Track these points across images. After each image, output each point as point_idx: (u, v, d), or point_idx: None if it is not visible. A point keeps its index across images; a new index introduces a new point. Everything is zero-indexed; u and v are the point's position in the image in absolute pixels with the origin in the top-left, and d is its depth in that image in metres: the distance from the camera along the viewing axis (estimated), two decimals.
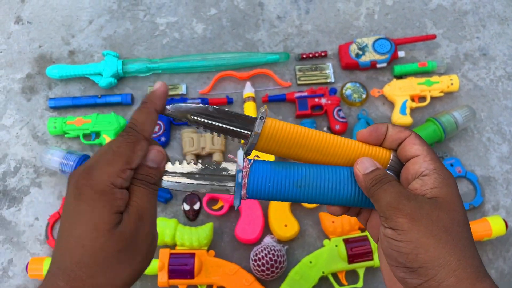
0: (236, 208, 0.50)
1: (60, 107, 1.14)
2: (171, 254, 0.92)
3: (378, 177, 0.45)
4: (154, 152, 0.47)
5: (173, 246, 0.96)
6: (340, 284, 0.93)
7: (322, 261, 0.92)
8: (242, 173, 0.49)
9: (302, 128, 0.50)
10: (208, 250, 0.95)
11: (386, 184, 0.44)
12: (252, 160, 0.50)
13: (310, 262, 0.92)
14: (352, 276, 0.94)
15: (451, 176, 0.45)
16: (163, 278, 0.90)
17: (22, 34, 1.26)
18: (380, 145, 0.50)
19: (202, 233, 0.94)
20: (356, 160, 0.48)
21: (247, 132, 0.50)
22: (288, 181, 0.49)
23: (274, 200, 0.50)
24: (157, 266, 0.91)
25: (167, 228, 0.94)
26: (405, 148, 0.47)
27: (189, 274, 0.90)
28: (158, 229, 0.93)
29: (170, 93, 1.15)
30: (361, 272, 0.92)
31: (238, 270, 0.92)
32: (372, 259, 0.92)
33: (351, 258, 0.91)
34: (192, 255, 0.92)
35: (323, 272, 0.92)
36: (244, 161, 0.50)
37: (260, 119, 0.49)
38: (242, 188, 0.49)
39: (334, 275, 0.94)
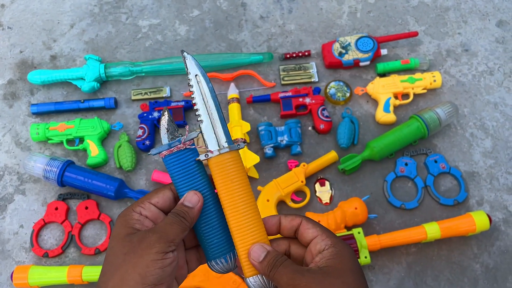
0: (150, 153, 0.53)
1: (43, 112, 1.13)
2: None
3: (272, 263, 0.49)
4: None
5: None
6: None
7: None
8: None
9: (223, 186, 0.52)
10: None
11: (280, 267, 0.48)
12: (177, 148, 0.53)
13: None
14: None
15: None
16: None
17: (2, 40, 1.25)
18: (278, 233, 0.54)
19: None
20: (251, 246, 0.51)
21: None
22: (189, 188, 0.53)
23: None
24: None
25: None
26: (303, 234, 0.51)
27: None
28: None
29: (153, 96, 1.14)
30: None
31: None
32: (358, 258, 0.92)
33: None
34: None
35: None
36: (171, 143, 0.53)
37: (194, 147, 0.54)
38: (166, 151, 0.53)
39: None
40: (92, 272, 0.91)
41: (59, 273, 0.92)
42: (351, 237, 0.93)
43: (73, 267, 0.92)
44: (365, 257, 0.92)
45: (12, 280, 0.92)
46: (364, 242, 0.93)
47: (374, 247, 0.93)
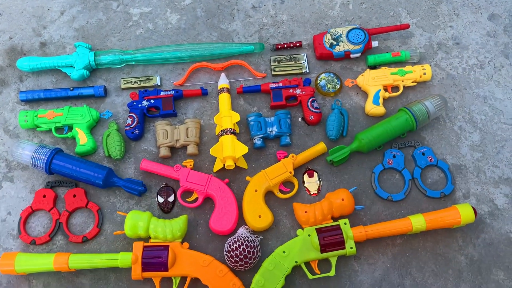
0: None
1: (32, 100, 1.12)
2: (144, 247, 0.92)
3: None
4: None
5: (147, 239, 0.96)
6: (313, 273, 0.94)
7: (295, 251, 0.93)
8: None
9: None
10: (182, 242, 0.95)
11: None
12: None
13: (284, 252, 0.93)
14: (324, 264, 0.95)
15: None
16: (136, 271, 0.91)
17: None
18: None
19: (176, 225, 0.94)
20: None
21: None
22: None
23: None
24: (130, 259, 0.91)
25: (141, 221, 0.94)
26: None
27: (163, 266, 0.91)
28: (131, 222, 0.93)
29: (143, 85, 1.14)
30: (333, 261, 0.93)
31: (212, 262, 0.92)
32: (344, 248, 0.93)
33: (324, 247, 0.92)
34: (166, 248, 0.92)
35: (296, 262, 0.92)
36: None
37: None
38: None
39: (307, 264, 0.95)
40: (79, 260, 0.92)
41: (46, 260, 0.92)
42: (338, 227, 0.94)
43: (60, 254, 0.92)
44: (351, 248, 0.93)
45: None
46: (350, 233, 0.93)
47: (360, 238, 0.94)
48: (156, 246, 0.93)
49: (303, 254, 0.93)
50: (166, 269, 0.91)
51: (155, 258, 0.91)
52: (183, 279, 0.93)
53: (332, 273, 0.92)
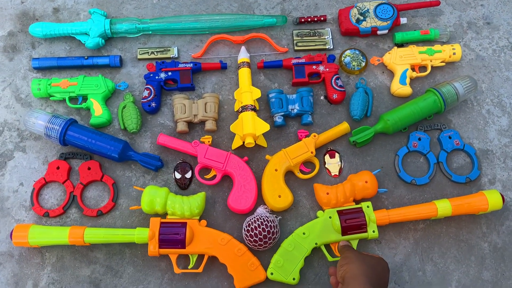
0: None
1: (45, 67, 1.08)
2: (161, 223, 0.90)
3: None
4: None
5: (164, 215, 0.93)
6: (333, 255, 0.92)
7: (316, 232, 0.91)
8: None
9: None
10: (200, 220, 0.92)
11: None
12: None
13: (304, 233, 0.91)
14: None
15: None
16: (153, 247, 0.88)
17: None
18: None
19: (194, 202, 0.92)
20: None
21: None
22: None
23: None
24: (147, 235, 0.88)
25: (158, 196, 0.91)
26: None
27: (180, 243, 0.89)
28: (148, 197, 0.91)
29: (160, 56, 1.09)
30: (354, 244, 0.91)
31: (230, 240, 0.90)
32: (366, 231, 0.90)
33: (345, 230, 0.90)
34: (184, 225, 0.90)
35: (316, 243, 0.90)
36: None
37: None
38: None
39: (327, 246, 0.93)
40: (94, 234, 0.90)
41: (61, 233, 0.90)
42: (360, 210, 0.92)
43: (75, 228, 0.90)
44: (373, 231, 0.90)
45: (11, 238, 0.90)
46: (373, 216, 0.91)
47: (383, 222, 0.91)
48: (173, 223, 0.90)
49: (323, 236, 0.91)
50: (184, 247, 0.89)
51: (173, 235, 0.89)
52: (200, 257, 0.91)
53: None
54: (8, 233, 0.94)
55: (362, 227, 0.91)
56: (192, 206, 0.91)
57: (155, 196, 0.91)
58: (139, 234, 0.89)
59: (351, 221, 0.91)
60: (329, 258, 0.91)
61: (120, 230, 0.91)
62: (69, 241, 0.90)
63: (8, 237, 0.94)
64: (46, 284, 0.92)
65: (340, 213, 0.92)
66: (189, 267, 0.90)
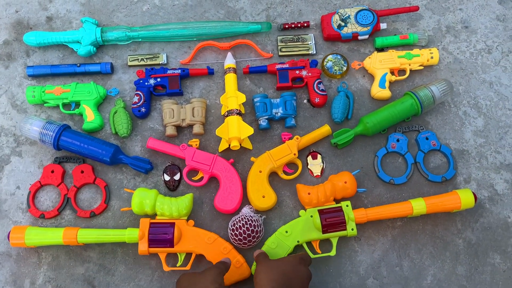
0: None
1: (39, 75, 1.13)
2: (151, 223, 0.95)
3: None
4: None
5: (154, 216, 0.98)
6: (314, 252, 0.97)
7: (298, 231, 0.96)
8: None
9: None
10: (187, 220, 0.97)
11: None
12: None
13: (286, 232, 0.95)
14: (325, 245, 0.98)
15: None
16: (143, 246, 0.93)
17: None
18: None
19: (181, 203, 0.96)
20: None
21: None
22: None
23: None
24: (137, 235, 0.93)
25: (147, 198, 0.96)
26: None
27: (169, 242, 0.93)
28: (138, 199, 0.95)
29: (150, 62, 1.14)
30: (334, 241, 0.96)
31: (217, 239, 0.95)
32: (345, 229, 0.95)
33: (325, 228, 0.95)
34: (172, 225, 0.94)
35: (298, 241, 0.95)
36: None
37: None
38: None
39: (309, 244, 0.97)
40: (87, 235, 0.94)
41: (55, 234, 0.95)
42: (339, 209, 0.96)
43: (69, 229, 0.95)
44: (352, 229, 0.95)
45: (9, 239, 0.95)
46: (352, 215, 0.95)
47: (361, 220, 0.96)
48: (162, 223, 0.95)
49: (305, 234, 0.96)
50: (172, 245, 0.93)
51: (161, 234, 0.94)
52: (188, 255, 0.96)
53: (333, 253, 0.95)
54: (6, 235, 0.99)
55: (341, 225, 0.95)
56: (180, 207, 0.96)
57: (144, 198, 0.96)
58: (129, 234, 0.94)
59: (331, 220, 0.95)
60: (311, 255, 0.96)
61: (112, 231, 0.95)
62: (64, 241, 0.94)
63: (6, 238, 0.99)
64: (43, 282, 0.97)
65: (320, 212, 0.96)
66: (177, 265, 0.95)
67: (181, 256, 0.95)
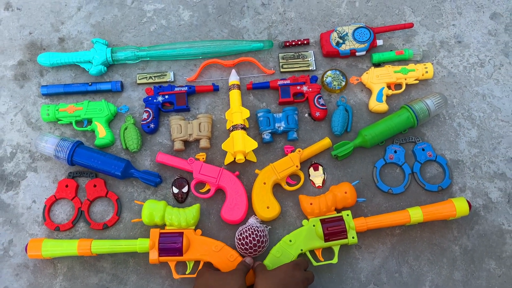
0: None
1: (52, 94, 1.18)
2: (161, 233, 0.99)
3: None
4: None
5: (163, 226, 1.03)
6: (317, 260, 1.01)
7: (301, 240, 1.00)
8: None
9: None
10: (195, 229, 1.02)
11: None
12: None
13: (290, 241, 1.00)
14: (328, 253, 1.02)
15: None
16: (154, 255, 0.98)
17: (12, 21, 1.29)
18: None
19: (189, 214, 1.01)
20: None
21: None
22: None
23: None
24: (148, 245, 0.98)
25: (157, 209, 1.00)
26: None
27: (178, 251, 0.98)
28: (148, 210, 1.00)
29: (158, 80, 1.20)
30: (336, 249, 1.00)
31: (223, 248, 0.99)
32: (346, 238, 0.99)
33: (327, 237, 0.99)
34: (181, 234, 0.99)
35: (301, 250, 0.99)
36: None
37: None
38: None
39: (312, 252, 1.02)
40: (100, 245, 0.99)
41: (70, 246, 0.99)
42: (340, 219, 1.01)
43: (83, 240, 1.00)
44: (352, 237, 0.99)
45: (26, 252, 1.00)
46: (352, 224, 1.00)
47: (361, 228, 1.01)
48: (171, 233, 1.00)
49: (308, 242, 1.00)
50: (181, 254, 0.98)
51: (171, 243, 0.98)
52: (197, 263, 1.01)
53: (335, 260, 0.99)
54: (23, 247, 1.04)
55: (342, 233, 1.00)
56: (188, 217, 1.01)
57: (154, 210, 1.01)
58: (140, 244, 0.99)
59: (333, 229, 1.00)
60: (314, 263, 1.00)
61: (124, 241, 1.00)
62: (78, 252, 0.99)
63: (23, 250, 1.04)
64: None
65: (322, 221, 1.01)
66: (186, 273, 1.00)
67: (189, 264, 1.00)
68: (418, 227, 1.05)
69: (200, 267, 0.99)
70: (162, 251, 0.98)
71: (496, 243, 1.05)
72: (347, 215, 1.02)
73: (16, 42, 1.26)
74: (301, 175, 1.09)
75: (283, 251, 0.99)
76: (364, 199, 1.05)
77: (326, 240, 1.00)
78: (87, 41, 1.26)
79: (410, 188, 1.09)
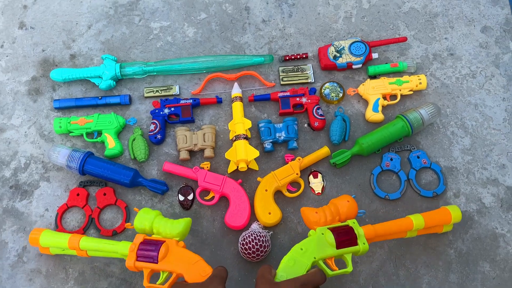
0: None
1: (64, 107, 1.25)
2: (144, 239, 0.96)
3: None
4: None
5: (151, 234, 1.01)
6: (331, 269, 0.95)
7: (312, 248, 0.94)
8: None
9: None
10: (183, 242, 0.96)
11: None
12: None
13: (301, 249, 0.94)
14: (339, 263, 0.99)
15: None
16: (131, 258, 0.93)
17: (26, 39, 1.36)
18: None
19: (176, 226, 0.97)
20: None
21: None
22: None
23: None
24: (128, 248, 0.94)
25: (147, 218, 0.98)
26: None
27: (153, 258, 0.93)
28: (139, 218, 0.98)
29: (164, 94, 1.26)
30: (348, 258, 0.95)
31: (198, 261, 0.94)
32: (357, 244, 0.95)
33: (339, 244, 0.94)
34: (161, 242, 0.95)
35: (314, 258, 0.93)
36: None
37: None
38: None
39: (324, 262, 0.95)
40: (88, 241, 0.99)
41: (63, 239, 1.00)
42: (348, 226, 0.96)
43: (75, 235, 1.01)
44: (363, 243, 0.95)
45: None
46: (361, 231, 0.96)
47: (370, 235, 0.97)
48: (153, 240, 0.96)
49: (320, 250, 0.94)
50: (156, 261, 0.93)
51: (149, 250, 0.94)
52: (170, 275, 0.93)
53: (349, 269, 0.94)
54: (36, 253, 1.09)
55: (353, 240, 0.95)
56: (174, 230, 0.97)
57: (144, 218, 0.98)
58: (123, 245, 0.96)
59: (343, 235, 0.94)
60: (329, 273, 0.93)
61: (110, 241, 0.98)
62: (69, 246, 0.99)
63: (37, 256, 1.09)
64: None
65: (331, 229, 0.95)
66: (157, 283, 0.93)
67: (163, 274, 0.94)
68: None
69: (171, 279, 0.93)
70: (140, 256, 0.94)
71: (490, 246, 1.09)
72: (353, 223, 0.98)
73: (30, 59, 1.33)
74: (301, 183, 1.14)
75: (296, 260, 0.93)
76: (364, 211, 1.04)
77: (338, 247, 0.94)
78: (97, 57, 1.32)
79: (406, 194, 1.14)
